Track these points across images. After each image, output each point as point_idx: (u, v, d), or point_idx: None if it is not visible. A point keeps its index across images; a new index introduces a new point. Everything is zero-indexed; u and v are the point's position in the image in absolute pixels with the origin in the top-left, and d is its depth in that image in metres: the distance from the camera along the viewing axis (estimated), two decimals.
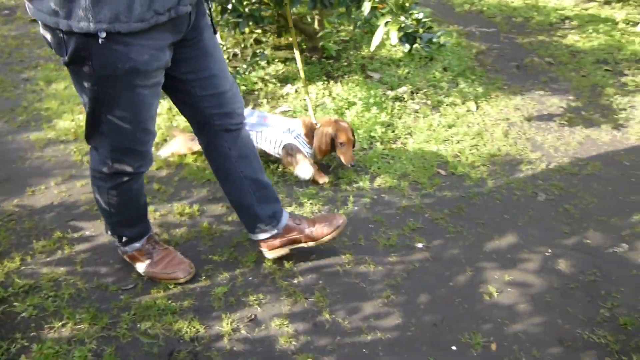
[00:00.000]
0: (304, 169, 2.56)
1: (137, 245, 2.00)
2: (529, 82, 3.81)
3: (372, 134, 3.00)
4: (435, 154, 2.88)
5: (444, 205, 2.51)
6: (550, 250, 2.23)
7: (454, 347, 1.80)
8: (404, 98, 3.41)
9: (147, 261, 2.00)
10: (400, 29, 2.55)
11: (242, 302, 1.94)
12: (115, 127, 1.56)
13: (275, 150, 2.61)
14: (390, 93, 3.41)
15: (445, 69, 3.81)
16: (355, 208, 2.48)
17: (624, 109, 3.46)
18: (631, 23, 5.15)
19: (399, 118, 3.21)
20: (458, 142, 3.01)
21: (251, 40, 3.99)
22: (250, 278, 2.05)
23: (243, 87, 3.45)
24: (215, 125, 1.80)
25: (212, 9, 2.02)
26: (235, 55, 3.88)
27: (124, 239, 1.97)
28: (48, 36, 1.40)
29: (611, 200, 2.56)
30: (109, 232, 2.00)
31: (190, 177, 2.64)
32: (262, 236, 2.03)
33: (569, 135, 3.12)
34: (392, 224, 2.39)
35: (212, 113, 1.77)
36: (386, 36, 2.60)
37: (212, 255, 2.15)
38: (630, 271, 2.15)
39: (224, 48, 3.86)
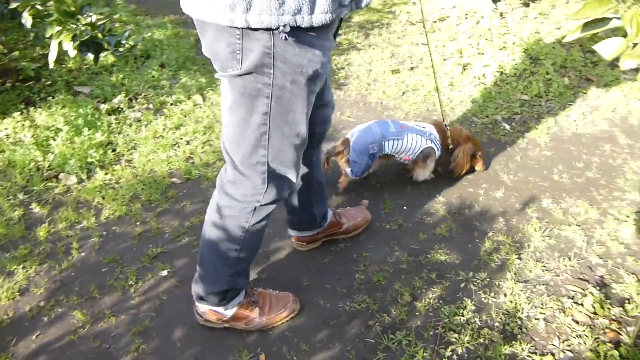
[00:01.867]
0: (427, 174, 2.45)
1: (239, 298, 1.71)
2: None
3: (89, 159, 2.59)
4: (165, 162, 2.62)
5: (185, 218, 2.28)
6: None
7: None
8: (121, 108, 3.04)
9: (256, 311, 1.74)
10: (73, 38, 2.18)
11: None
12: (279, 147, 1.36)
13: (412, 154, 2.35)
14: (104, 106, 3.00)
15: (162, 66, 3.53)
16: (82, 254, 2.11)
17: (342, 68, 3.62)
18: None
19: (119, 133, 2.85)
20: (188, 142, 2.79)
21: None
22: None
23: None
24: (315, 134, 1.67)
25: None
26: None
27: (231, 296, 1.68)
28: (219, 46, 1.18)
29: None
30: (215, 294, 1.64)
31: None
32: (309, 233, 2.04)
33: None
34: (129, 259, 2.08)
35: (316, 122, 1.61)
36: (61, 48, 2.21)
37: None
38: (375, 227, 2.21)
39: None
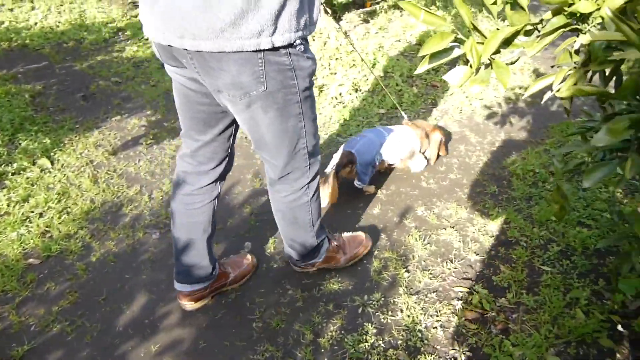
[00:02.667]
0: (422, 162, 2.71)
1: (325, 246, 2.04)
2: (102, 111, 3.49)
3: None
4: (17, 242, 2.30)
5: (52, 302, 2.01)
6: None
7: None
8: None
9: (340, 252, 2.10)
10: None
11: None
12: (311, 131, 1.60)
13: (403, 155, 2.61)
14: None
15: None
16: None
17: None
18: None
19: None
20: (42, 215, 2.48)
21: None
22: None
23: None
24: (224, 171, 1.84)
25: None
26: None
27: (323, 244, 2.01)
28: (243, 77, 1.32)
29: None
30: (313, 250, 1.98)
31: None
32: (201, 286, 1.92)
33: (160, 153, 2.96)
34: None
35: (229, 161, 1.85)
36: None
37: None
38: (262, 268, 2.13)
39: None
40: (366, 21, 5.41)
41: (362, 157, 2.41)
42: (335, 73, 3.94)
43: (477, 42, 1.09)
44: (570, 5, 0.90)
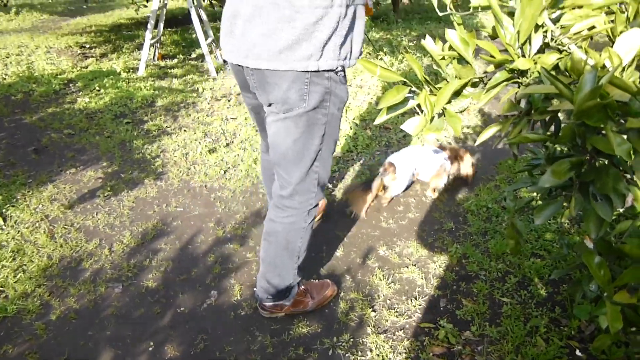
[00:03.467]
0: (444, 180, 2.95)
1: (296, 289, 2.10)
2: (56, 164, 3.43)
3: None
4: None
5: None
6: None
7: None
8: None
9: (308, 296, 2.16)
10: None
11: None
12: (325, 157, 1.81)
13: (434, 171, 2.88)
14: None
15: None
16: None
17: (157, 156, 3.50)
18: (132, 70, 5.36)
19: None
20: None
21: None
22: None
23: None
24: None
25: None
26: None
27: (294, 287, 2.08)
28: (291, 93, 1.60)
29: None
30: (285, 289, 2.03)
31: None
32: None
33: (119, 205, 2.93)
34: None
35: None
36: None
37: None
38: (230, 316, 2.12)
39: None
40: None
41: (401, 169, 2.73)
42: None
43: (429, 94, 1.18)
44: (511, 62, 1.01)
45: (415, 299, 2.20)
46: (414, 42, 6.62)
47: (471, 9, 1.16)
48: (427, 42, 1.21)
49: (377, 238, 2.61)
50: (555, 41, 1.00)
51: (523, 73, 1.03)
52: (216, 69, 5.32)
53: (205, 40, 5.34)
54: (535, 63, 1.00)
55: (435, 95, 1.16)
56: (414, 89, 1.20)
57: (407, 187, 2.89)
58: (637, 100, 0.81)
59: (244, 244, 2.57)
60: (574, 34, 0.98)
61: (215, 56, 5.64)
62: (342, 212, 2.83)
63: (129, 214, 2.84)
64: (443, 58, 1.22)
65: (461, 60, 1.20)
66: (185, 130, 3.89)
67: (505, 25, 1.00)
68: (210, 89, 4.82)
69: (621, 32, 0.92)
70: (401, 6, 8.93)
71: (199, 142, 3.67)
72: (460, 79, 1.16)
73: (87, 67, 5.54)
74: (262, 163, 2.28)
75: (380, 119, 1.23)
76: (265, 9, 1.53)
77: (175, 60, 5.77)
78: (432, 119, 1.18)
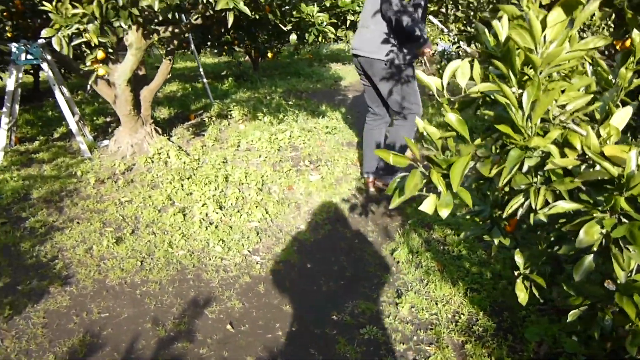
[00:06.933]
0: None
1: None
2: None
3: None
4: None
5: None
6: None
7: None
8: None
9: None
10: None
11: None
12: (408, 95, 3.72)
13: None
14: None
15: None
16: None
17: (55, 257, 3.11)
18: None
19: None
20: None
21: None
22: None
23: None
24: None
25: None
26: None
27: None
28: (382, 70, 3.55)
29: None
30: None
31: None
32: None
33: (27, 325, 2.52)
34: None
35: None
36: None
37: None
38: None
39: None
40: (197, 134, 5.49)
41: None
42: (191, 193, 3.89)
43: (439, 173, 1.27)
44: (525, 139, 1.13)
45: (386, 357, 2.23)
46: (283, 98, 6.86)
47: (467, 93, 1.27)
48: (426, 126, 1.30)
49: (324, 304, 2.61)
50: (554, 119, 1.15)
51: (531, 148, 1.16)
52: (89, 148, 4.94)
53: (73, 117, 4.95)
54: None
55: (445, 174, 1.25)
56: (422, 169, 1.27)
57: None
58: None
59: (192, 340, 2.39)
60: (570, 113, 1.14)
61: (84, 134, 5.23)
62: (282, 285, 2.78)
63: (44, 333, 2.46)
64: (440, 138, 1.31)
65: (457, 138, 1.30)
66: (78, 222, 3.52)
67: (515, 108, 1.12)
68: (90, 170, 4.45)
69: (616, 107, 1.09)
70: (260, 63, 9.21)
71: (100, 234, 3.34)
72: (461, 155, 1.26)
73: None
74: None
75: (395, 203, 1.28)
76: None
77: (37, 143, 5.22)
78: (444, 196, 1.25)
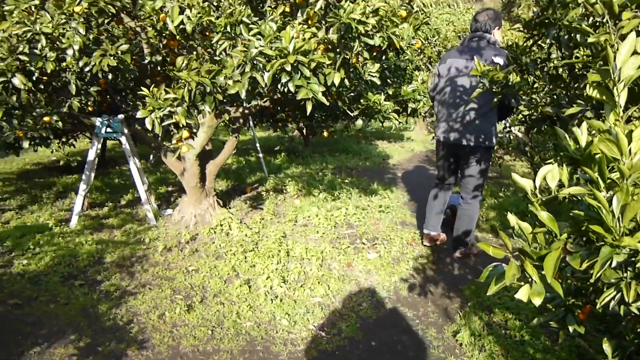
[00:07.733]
0: None
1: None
2: (13, 345, 3.06)
3: None
4: None
5: None
6: None
7: None
8: None
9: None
10: None
11: None
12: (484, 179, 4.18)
13: None
14: None
15: None
16: None
17: (131, 321, 3.30)
18: (64, 223, 5.08)
19: None
20: None
21: None
22: None
23: None
24: None
25: None
26: None
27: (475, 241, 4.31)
28: (477, 153, 3.97)
29: None
30: (468, 244, 4.22)
31: None
32: None
33: None
34: None
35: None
36: None
37: None
38: None
39: None
40: (254, 207, 5.75)
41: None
42: (254, 265, 4.07)
43: (532, 263, 1.41)
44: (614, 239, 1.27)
45: None
46: (335, 174, 7.13)
47: (556, 195, 1.44)
48: (518, 222, 1.45)
49: None
50: None
51: (621, 246, 1.30)
52: (155, 216, 5.25)
53: (142, 186, 5.31)
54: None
55: (536, 263, 1.39)
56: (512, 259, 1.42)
57: None
58: None
59: None
60: None
61: (150, 203, 5.57)
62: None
63: None
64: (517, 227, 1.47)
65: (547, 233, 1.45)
66: (150, 288, 3.73)
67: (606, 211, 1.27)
68: (157, 238, 4.72)
69: None
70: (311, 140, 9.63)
71: (171, 300, 3.53)
72: (552, 249, 1.40)
73: (8, 223, 5.14)
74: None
75: (493, 290, 1.42)
76: None
77: (106, 209, 5.58)
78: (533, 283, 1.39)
